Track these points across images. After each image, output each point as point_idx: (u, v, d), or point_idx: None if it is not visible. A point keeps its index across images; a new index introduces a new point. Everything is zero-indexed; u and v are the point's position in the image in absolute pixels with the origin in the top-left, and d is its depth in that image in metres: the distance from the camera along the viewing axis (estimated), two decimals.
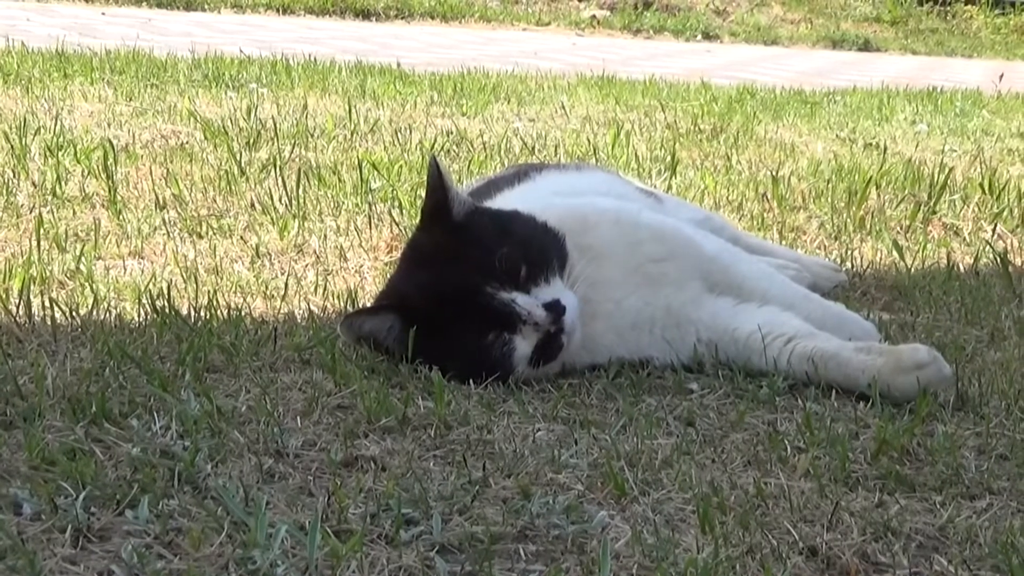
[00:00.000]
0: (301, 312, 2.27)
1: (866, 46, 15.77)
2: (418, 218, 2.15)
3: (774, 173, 3.83)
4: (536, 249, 1.95)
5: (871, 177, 3.79)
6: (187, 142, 3.91)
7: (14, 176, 3.22)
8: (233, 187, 3.23)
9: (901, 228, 3.35)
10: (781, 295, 2.19)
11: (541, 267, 1.93)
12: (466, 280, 1.91)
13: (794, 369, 2.01)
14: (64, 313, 2.12)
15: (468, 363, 1.92)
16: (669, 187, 3.60)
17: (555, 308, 1.90)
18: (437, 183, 1.98)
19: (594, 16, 15.08)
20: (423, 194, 2.11)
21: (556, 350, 1.92)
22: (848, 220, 3.33)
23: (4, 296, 2.19)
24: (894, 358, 1.94)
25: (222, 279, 2.45)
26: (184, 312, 2.18)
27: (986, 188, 3.81)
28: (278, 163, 3.50)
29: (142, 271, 2.49)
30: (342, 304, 2.32)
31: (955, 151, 5.03)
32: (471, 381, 1.92)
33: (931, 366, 1.92)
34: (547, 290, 1.92)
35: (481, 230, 1.98)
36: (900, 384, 1.92)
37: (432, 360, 1.93)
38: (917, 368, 1.92)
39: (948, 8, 18.41)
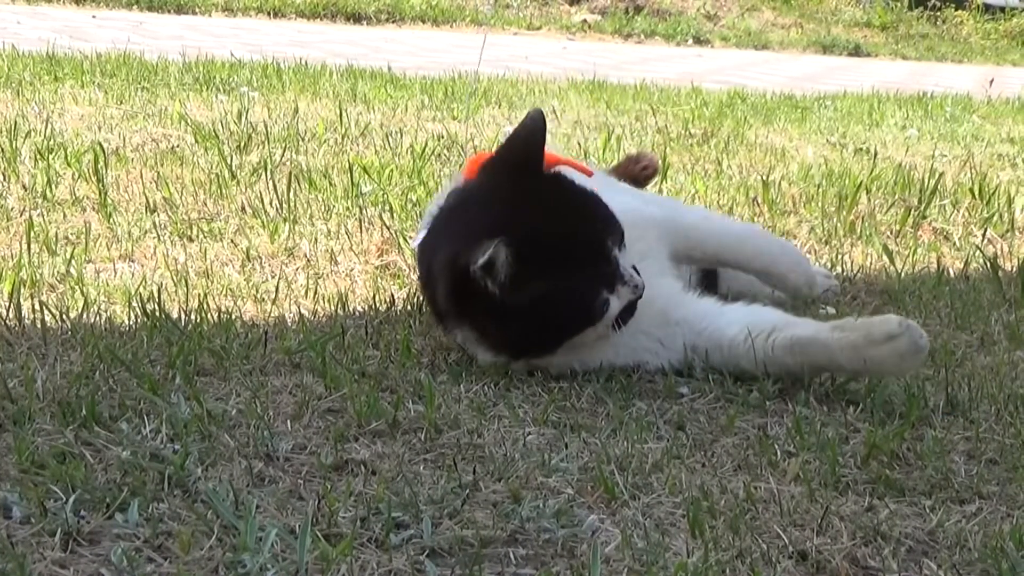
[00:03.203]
0: (291, 316, 2.27)
1: (856, 51, 15.83)
2: (493, 164, 2.09)
3: (764, 178, 3.83)
4: (612, 215, 2.00)
5: (861, 182, 3.80)
6: (178, 145, 3.90)
7: (4, 179, 3.22)
8: (223, 190, 3.23)
9: (891, 233, 3.36)
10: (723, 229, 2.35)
11: (619, 234, 1.98)
12: (593, 231, 1.94)
13: (780, 362, 2.01)
14: (54, 316, 2.12)
15: (570, 310, 1.93)
16: (660, 191, 3.60)
17: (639, 273, 1.96)
18: (541, 136, 1.98)
19: (585, 20, 15.11)
20: (503, 143, 2.05)
21: (631, 313, 1.97)
22: (838, 225, 3.34)
23: None
24: (865, 331, 1.92)
25: (212, 282, 2.45)
26: (174, 315, 2.17)
27: (976, 193, 3.82)
28: (269, 167, 3.49)
29: (132, 274, 2.49)
30: (332, 308, 2.32)
31: (945, 156, 5.04)
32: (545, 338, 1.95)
33: (903, 336, 1.89)
34: (623, 256, 1.97)
35: (575, 188, 2.02)
36: (874, 357, 1.91)
37: (529, 299, 1.90)
38: (889, 339, 1.90)
39: (938, 13, 18.47)
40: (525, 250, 1.87)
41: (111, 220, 2.88)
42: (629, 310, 1.96)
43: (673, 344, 2.08)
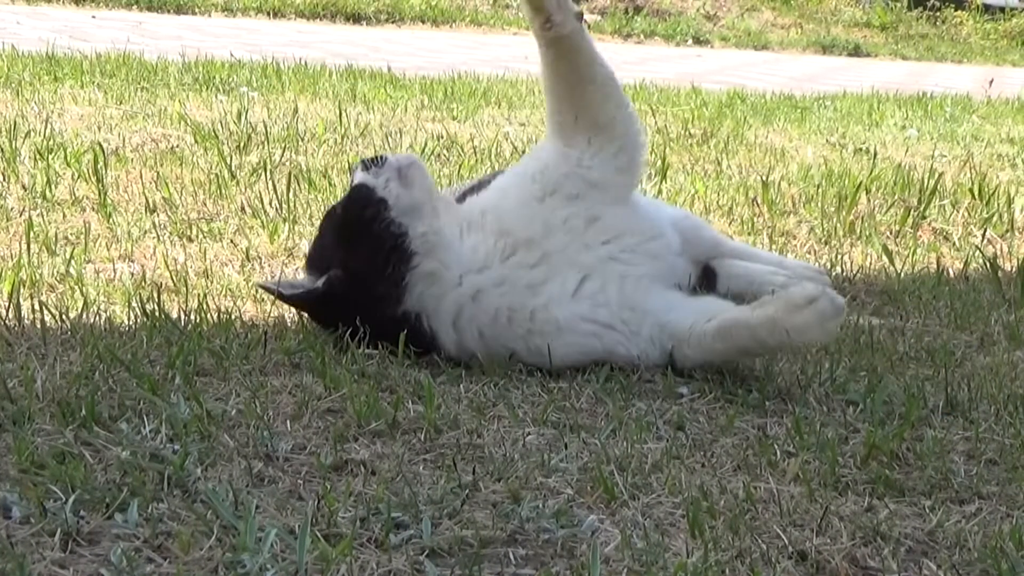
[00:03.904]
0: (291, 316, 2.27)
1: (856, 51, 15.83)
2: None
3: (764, 178, 3.83)
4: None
5: (861, 182, 3.80)
6: (177, 145, 3.90)
7: (4, 179, 3.21)
8: (223, 191, 3.23)
9: (891, 233, 3.36)
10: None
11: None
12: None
13: (713, 349, 2.01)
14: (54, 316, 2.11)
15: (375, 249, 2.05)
16: (659, 192, 3.61)
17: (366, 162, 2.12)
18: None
19: (584, 20, 15.09)
20: None
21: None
22: (838, 225, 3.34)
23: None
24: (784, 300, 1.93)
25: (212, 282, 2.45)
26: (174, 316, 2.17)
27: (976, 193, 3.82)
28: (268, 167, 3.50)
29: (132, 274, 2.49)
30: None
31: (945, 156, 5.04)
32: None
33: (822, 298, 1.90)
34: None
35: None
36: (797, 323, 1.91)
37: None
38: (809, 303, 1.90)
39: (938, 13, 18.47)
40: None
41: (111, 220, 2.88)
42: (372, 161, 2.12)
43: (639, 331, 2.07)
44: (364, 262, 2.03)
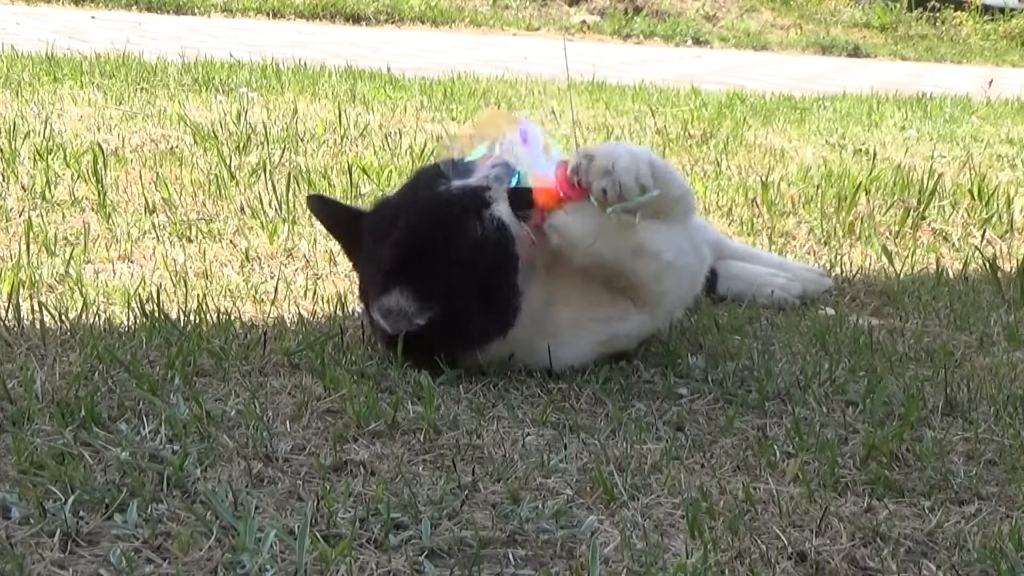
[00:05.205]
0: (291, 316, 2.27)
1: (856, 52, 15.83)
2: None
3: (764, 179, 3.83)
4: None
5: (860, 183, 3.81)
6: (177, 146, 3.90)
7: (3, 180, 3.21)
8: (223, 191, 3.23)
9: (890, 234, 3.36)
10: None
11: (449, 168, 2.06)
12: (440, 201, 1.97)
13: None
14: (53, 317, 2.11)
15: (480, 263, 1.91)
16: None
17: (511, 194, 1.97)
18: (328, 207, 2.15)
19: (584, 21, 15.10)
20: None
21: (528, 200, 1.95)
22: (838, 225, 3.34)
23: None
24: None
25: (211, 283, 2.45)
26: (173, 316, 2.17)
27: (975, 194, 3.82)
28: (268, 167, 3.50)
29: (131, 275, 2.49)
30: (332, 308, 2.32)
31: (944, 157, 5.04)
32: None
33: None
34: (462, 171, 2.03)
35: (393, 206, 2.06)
36: None
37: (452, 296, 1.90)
38: None
39: (937, 14, 18.47)
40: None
41: (110, 221, 2.88)
42: (520, 198, 1.94)
43: None
44: (471, 312, 1.91)
